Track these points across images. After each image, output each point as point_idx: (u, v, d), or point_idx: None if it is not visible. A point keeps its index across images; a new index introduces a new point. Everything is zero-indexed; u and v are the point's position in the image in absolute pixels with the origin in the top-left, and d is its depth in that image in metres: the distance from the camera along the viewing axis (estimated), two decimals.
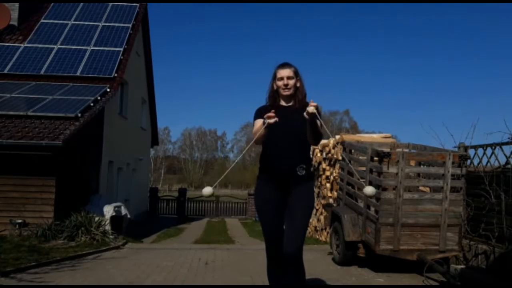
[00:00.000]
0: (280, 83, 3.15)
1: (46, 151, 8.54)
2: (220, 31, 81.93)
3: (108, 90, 11.36)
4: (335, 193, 8.55)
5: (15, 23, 13.59)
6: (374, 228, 5.45)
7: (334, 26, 78.41)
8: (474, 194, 5.75)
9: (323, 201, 9.92)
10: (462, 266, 5.40)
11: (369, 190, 2.97)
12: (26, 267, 5.68)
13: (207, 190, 2.86)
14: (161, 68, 73.96)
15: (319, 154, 10.42)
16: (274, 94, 3.22)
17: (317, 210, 10.51)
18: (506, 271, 4.82)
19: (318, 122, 3.02)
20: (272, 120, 2.83)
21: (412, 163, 6.13)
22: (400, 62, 75.68)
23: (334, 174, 9.23)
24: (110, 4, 15.17)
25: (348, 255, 6.03)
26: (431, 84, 76.57)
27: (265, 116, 2.86)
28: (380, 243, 5.36)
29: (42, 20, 14.02)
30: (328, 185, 9.80)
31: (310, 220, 3.29)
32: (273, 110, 2.89)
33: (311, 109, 2.82)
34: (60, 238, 8.16)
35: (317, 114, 2.84)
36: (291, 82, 3.14)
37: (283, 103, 3.21)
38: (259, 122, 3.05)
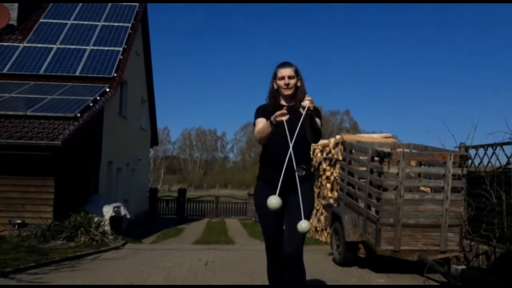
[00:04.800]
0: (281, 82, 3.13)
1: (45, 151, 8.51)
2: (220, 31, 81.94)
3: (107, 90, 11.34)
4: (336, 194, 8.53)
5: (14, 23, 13.56)
6: (374, 229, 5.43)
7: (335, 25, 78.42)
8: (475, 194, 5.73)
9: (323, 202, 9.90)
10: (463, 267, 5.39)
11: (303, 225, 2.72)
12: (25, 268, 5.66)
13: (275, 202, 2.67)
14: (161, 68, 74.03)
15: (319, 154, 10.40)
16: (275, 94, 3.20)
17: (317, 210, 10.49)
18: (507, 271, 4.80)
19: (317, 120, 2.98)
20: (285, 117, 2.75)
21: (413, 163, 6.11)
22: (400, 62, 75.76)
23: (335, 174, 9.21)
24: (109, 3, 15.15)
25: (348, 255, 6.00)
26: (432, 85, 76.68)
27: (277, 113, 2.77)
28: (381, 244, 5.34)
29: (41, 20, 14.00)
30: (328, 185, 9.78)
31: (310, 221, 3.25)
32: (285, 107, 2.84)
33: (306, 103, 2.78)
34: (59, 239, 8.13)
35: (311, 108, 2.78)
36: (292, 81, 3.12)
37: (283, 102, 3.18)
38: (261, 121, 3.03)
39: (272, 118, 2.81)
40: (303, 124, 2.91)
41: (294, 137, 3.04)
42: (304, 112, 2.81)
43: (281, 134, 3.01)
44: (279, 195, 3.07)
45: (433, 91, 77.09)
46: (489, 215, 5.48)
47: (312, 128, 2.94)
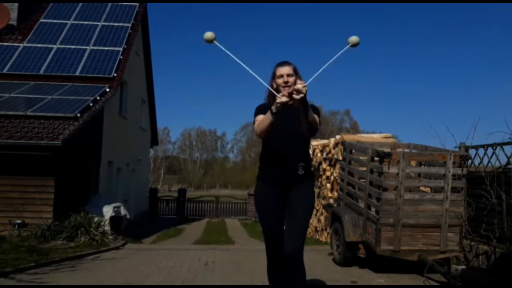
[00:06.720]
0: (280, 80, 3.12)
1: (45, 151, 8.52)
2: (220, 30, 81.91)
3: (107, 90, 11.34)
4: (336, 194, 8.53)
5: (14, 23, 13.56)
6: (374, 229, 5.43)
7: (334, 25, 78.44)
8: (475, 194, 5.73)
9: (323, 202, 9.90)
10: (463, 267, 5.38)
11: (353, 38, 2.82)
12: (25, 268, 5.66)
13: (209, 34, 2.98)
14: (161, 67, 74.01)
15: (319, 154, 10.39)
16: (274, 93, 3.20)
17: (317, 210, 10.49)
18: (507, 271, 4.80)
19: (315, 116, 2.94)
20: (284, 99, 2.62)
21: (413, 163, 6.11)
22: (400, 62, 75.75)
23: (335, 175, 9.21)
24: (109, 3, 15.15)
25: (348, 255, 6.00)
26: (432, 84, 76.68)
27: (280, 95, 2.70)
28: (381, 244, 5.34)
29: (41, 20, 14.00)
30: (328, 185, 9.78)
31: (310, 221, 3.24)
32: (286, 90, 2.79)
33: (298, 86, 2.63)
34: (59, 239, 8.13)
35: (303, 91, 2.61)
36: (291, 79, 3.11)
37: None
38: (260, 117, 3.02)
39: (273, 107, 2.75)
40: (299, 116, 2.86)
41: (293, 135, 3.04)
42: (297, 98, 2.64)
43: (280, 133, 3.01)
44: (279, 194, 3.07)
45: (433, 91, 77.13)
46: (489, 215, 5.48)
47: (305, 115, 2.84)
